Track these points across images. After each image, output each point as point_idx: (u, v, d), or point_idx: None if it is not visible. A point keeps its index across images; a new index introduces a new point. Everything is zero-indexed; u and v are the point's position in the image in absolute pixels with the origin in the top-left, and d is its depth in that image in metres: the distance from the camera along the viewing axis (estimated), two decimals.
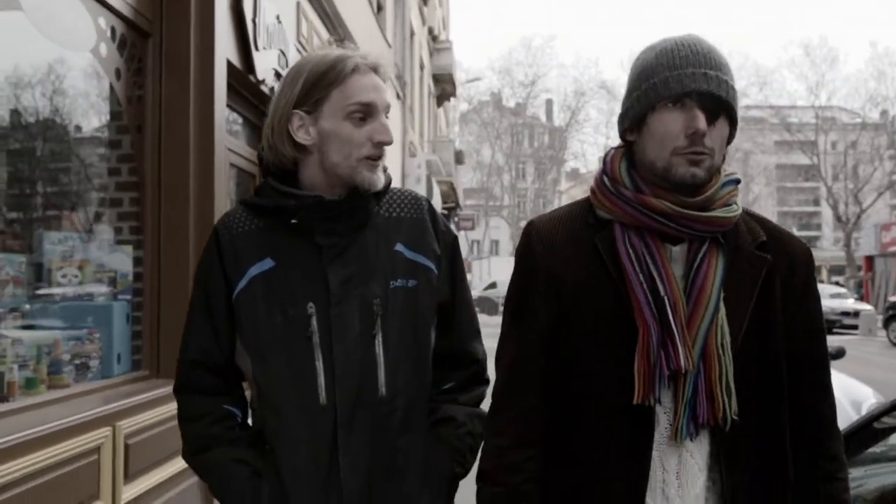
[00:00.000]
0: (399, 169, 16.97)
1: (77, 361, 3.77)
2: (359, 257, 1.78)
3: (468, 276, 2.06)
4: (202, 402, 1.83)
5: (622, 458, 1.54)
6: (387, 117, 1.80)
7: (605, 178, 1.64)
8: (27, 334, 3.49)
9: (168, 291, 4.17)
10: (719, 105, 1.53)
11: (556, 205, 58.20)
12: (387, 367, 1.75)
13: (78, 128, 4.51)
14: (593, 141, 67.77)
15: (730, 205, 1.59)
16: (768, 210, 55.29)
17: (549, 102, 62.13)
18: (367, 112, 1.76)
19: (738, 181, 1.65)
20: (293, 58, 6.04)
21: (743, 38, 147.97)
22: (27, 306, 3.65)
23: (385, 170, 1.86)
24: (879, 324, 23.58)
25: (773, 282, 1.60)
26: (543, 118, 62.79)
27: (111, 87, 4.10)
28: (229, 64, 4.79)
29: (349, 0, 8.92)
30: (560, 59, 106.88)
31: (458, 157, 30.20)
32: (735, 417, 1.51)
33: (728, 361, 1.52)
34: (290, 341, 1.74)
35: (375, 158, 1.77)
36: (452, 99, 29.59)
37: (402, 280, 1.80)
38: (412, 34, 18.58)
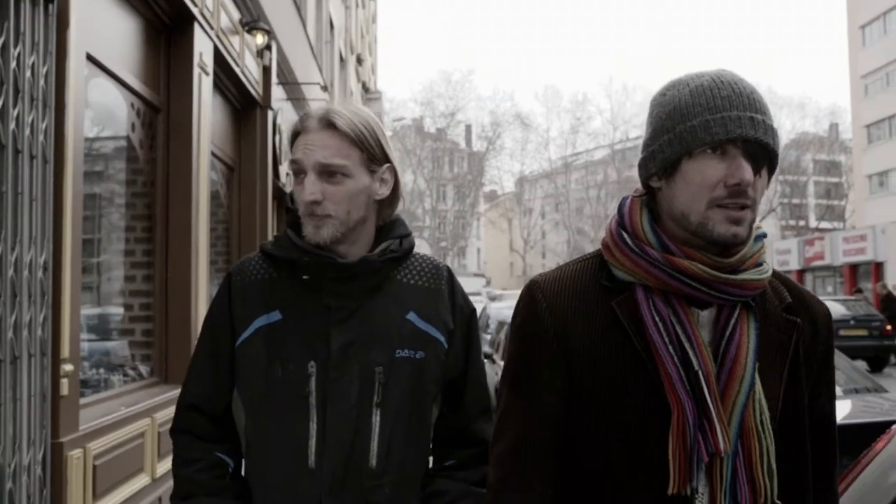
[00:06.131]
0: None
1: None
2: (366, 322, 1.73)
3: None
4: (196, 446, 1.77)
5: None
6: (334, 174, 1.68)
7: (625, 234, 1.42)
8: None
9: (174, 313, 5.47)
10: (764, 153, 1.33)
11: (474, 226, 61.62)
12: (381, 439, 1.69)
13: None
14: (508, 168, 71.95)
15: (761, 264, 1.42)
16: None
17: (468, 128, 64.55)
18: (296, 170, 1.70)
19: (765, 235, 1.47)
20: None
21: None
22: None
23: (408, 235, 1.83)
24: None
25: (798, 348, 1.44)
26: (462, 144, 65.96)
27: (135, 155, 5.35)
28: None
29: (313, 90, 12.53)
30: (478, 92, 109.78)
31: None
32: (778, 502, 1.34)
33: (769, 439, 1.35)
34: (286, 399, 1.69)
35: (308, 215, 1.71)
36: None
37: (409, 350, 1.73)
38: (350, 94, 21.72)
